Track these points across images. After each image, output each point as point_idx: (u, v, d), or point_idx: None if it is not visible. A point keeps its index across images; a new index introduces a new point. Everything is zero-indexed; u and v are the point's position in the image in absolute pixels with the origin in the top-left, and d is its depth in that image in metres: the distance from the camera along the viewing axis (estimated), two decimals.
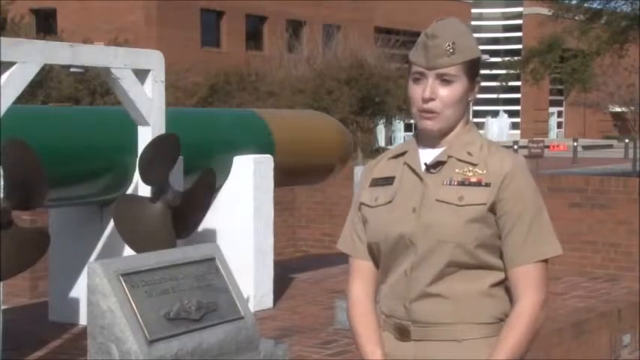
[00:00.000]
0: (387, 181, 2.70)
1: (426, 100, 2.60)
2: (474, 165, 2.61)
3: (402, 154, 2.72)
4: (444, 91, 2.60)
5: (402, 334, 2.65)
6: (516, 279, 2.59)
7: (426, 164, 2.65)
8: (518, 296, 2.58)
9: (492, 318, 2.61)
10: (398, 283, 2.64)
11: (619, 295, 8.14)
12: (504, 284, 2.65)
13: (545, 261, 2.62)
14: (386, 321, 2.70)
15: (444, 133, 2.64)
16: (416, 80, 2.63)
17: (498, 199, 2.58)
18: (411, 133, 2.81)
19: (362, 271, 2.76)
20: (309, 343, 6.39)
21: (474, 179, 2.60)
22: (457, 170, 2.62)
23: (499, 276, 2.62)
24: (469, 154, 2.63)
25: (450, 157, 2.63)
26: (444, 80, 2.60)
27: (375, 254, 2.73)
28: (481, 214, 2.57)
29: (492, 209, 2.58)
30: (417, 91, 2.63)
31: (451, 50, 2.58)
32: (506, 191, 2.58)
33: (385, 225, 2.65)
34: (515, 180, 2.59)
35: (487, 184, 2.58)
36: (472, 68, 2.63)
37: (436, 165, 2.64)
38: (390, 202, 2.66)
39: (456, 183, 2.60)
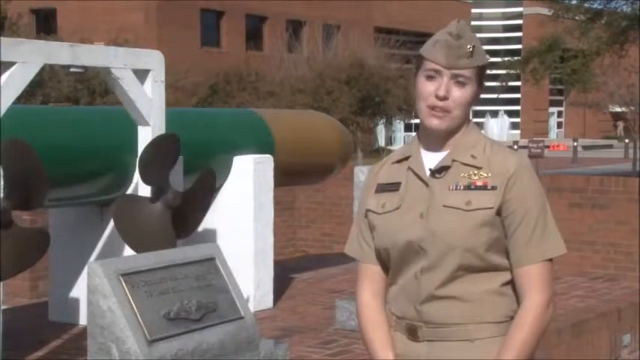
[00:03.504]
0: (393, 187, 2.70)
1: (440, 98, 2.60)
2: (479, 168, 2.62)
3: (406, 158, 2.72)
4: (457, 92, 2.61)
5: (414, 334, 2.65)
6: (521, 279, 2.60)
7: (430, 169, 2.65)
8: (524, 296, 2.59)
9: (504, 317, 2.62)
10: (408, 286, 2.65)
11: (619, 295, 8.13)
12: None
13: (550, 260, 2.62)
14: (397, 322, 2.71)
15: (448, 134, 2.65)
16: (429, 77, 2.63)
17: (504, 201, 2.59)
18: (412, 134, 2.81)
19: (371, 275, 2.77)
20: (309, 343, 6.39)
21: (479, 183, 2.60)
22: (462, 174, 2.62)
23: (509, 275, 2.63)
24: (473, 157, 2.63)
25: (454, 161, 2.64)
26: (459, 82, 2.61)
27: (384, 258, 2.73)
28: (489, 218, 2.58)
29: (499, 212, 2.59)
30: (429, 88, 2.62)
31: (471, 52, 2.61)
32: (511, 192, 2.59)
33: (393, 231, 2.65)
34: (519, 181, 2.60)
35: (493, 188, 2.59)
36: (482, 74, 2.66)
37: (441, 170, 2.64)
38: (397, 208, 2.66)
39: (462, 187, 2.60)
